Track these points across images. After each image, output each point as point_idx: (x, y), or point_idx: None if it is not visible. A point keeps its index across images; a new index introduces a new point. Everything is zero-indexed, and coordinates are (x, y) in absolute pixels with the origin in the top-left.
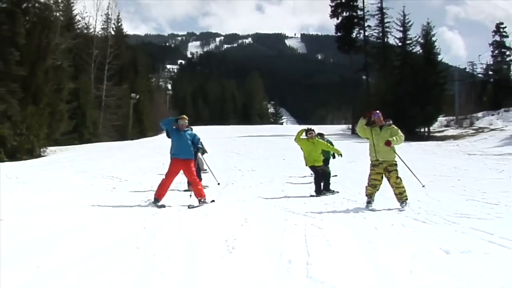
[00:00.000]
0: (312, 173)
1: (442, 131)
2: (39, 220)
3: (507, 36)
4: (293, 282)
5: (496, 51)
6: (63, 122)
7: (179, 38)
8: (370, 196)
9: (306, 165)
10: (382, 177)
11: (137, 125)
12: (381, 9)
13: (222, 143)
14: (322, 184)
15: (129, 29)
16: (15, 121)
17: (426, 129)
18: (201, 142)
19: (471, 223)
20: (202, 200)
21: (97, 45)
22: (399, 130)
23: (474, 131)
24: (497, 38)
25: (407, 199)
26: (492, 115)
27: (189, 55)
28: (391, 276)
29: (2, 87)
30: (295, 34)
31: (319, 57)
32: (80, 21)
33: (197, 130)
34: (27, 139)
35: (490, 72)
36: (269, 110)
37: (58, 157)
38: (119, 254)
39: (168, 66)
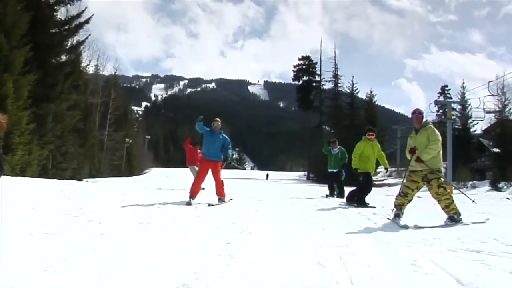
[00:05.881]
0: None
1: (383, 180)
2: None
3: (450, 98)
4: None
5: (441, 111)
6: (95, 159)
7: (143, 80)
8: (399, 208)
9: (359, 171)
10: (417, 187)
11: (127, 164)
12: (335, 76)
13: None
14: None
15: (92, 68)
16: (73, 159)
17: None
18: (231, 147)
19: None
20: (221, 199)
21: (101, 97)
22: (435, 131)
23: None
24: (442, 99)
25: (456, 213)
26: None
27: (153, 97)
28: None
29: (71, 137)
30: (258, 81)
31: (281, 105)
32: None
33: (171, 172)
34: (78, 171)
35: None
36: (234, 156)
37: (104, 185)
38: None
39: (133, 108)
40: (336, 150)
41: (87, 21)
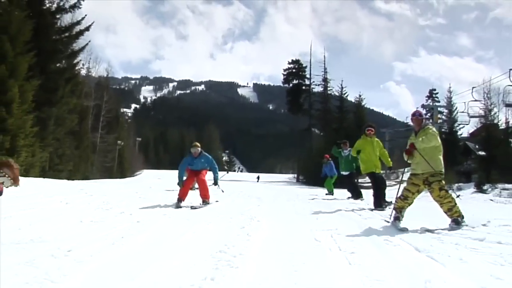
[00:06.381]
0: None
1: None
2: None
3: (438, 101)
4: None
5: (428, 115)
6: (89, 161)
7: (133, 81)
8: (399, 211)
9: (362, 173)
10: (418, 190)
11: (118, 166)
12: (325, 80)
13: None
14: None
15: (84, 71)
16: (69, 161)
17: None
18: (216, 168)
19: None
20: (206, 201)
21: (94, 100)
22: (433, 129)
23: (395, 183)
24: (430, 102)
25: (460, 215)
26: None
27: (142, 99)
28: None
29: (67, 140)
30: (247, 83)
31: (270, 107)
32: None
33: (162, 174)
34: (74, 173)
35: None
36: (224, 158)
37: (108, 186)
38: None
39: (122, 110)
40: (347, 152)
41: (87, 29)
